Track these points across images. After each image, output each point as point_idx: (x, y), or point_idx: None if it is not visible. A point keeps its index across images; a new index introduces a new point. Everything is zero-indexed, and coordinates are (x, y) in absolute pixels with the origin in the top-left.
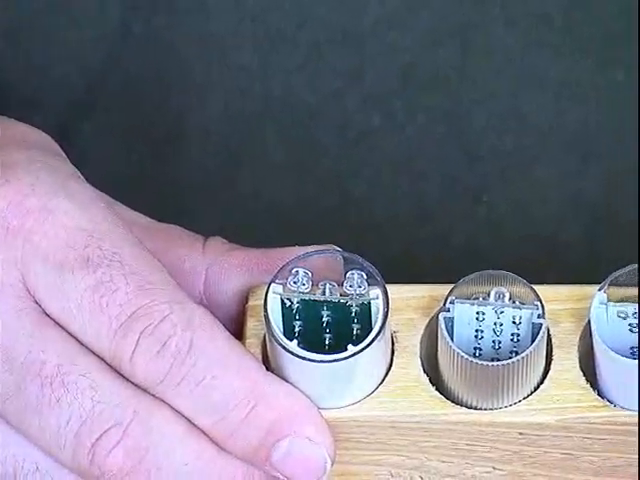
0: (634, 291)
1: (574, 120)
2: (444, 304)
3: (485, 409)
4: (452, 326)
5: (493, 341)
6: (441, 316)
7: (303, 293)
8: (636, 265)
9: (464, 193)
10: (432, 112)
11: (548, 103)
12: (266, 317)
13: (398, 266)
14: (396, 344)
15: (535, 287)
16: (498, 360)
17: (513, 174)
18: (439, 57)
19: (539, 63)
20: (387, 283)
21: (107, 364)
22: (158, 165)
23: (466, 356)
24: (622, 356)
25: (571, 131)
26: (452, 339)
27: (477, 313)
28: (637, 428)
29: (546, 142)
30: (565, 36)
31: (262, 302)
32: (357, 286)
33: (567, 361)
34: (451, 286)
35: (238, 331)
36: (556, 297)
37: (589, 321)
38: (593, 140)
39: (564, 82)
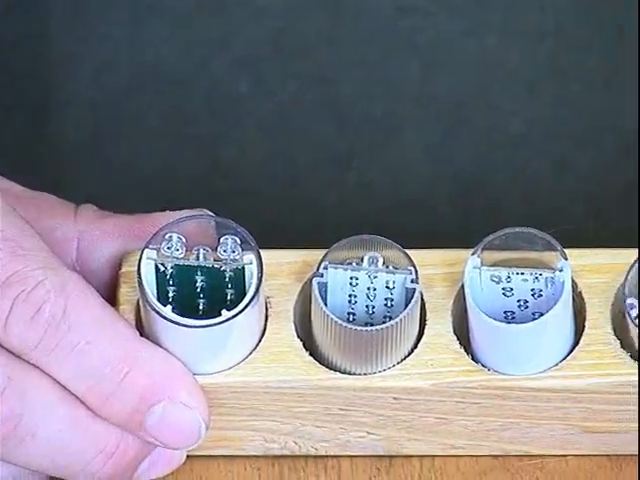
0: (507, 255)
1: (443, 86)
2: (317, 269)
3: (359, 374)
4: (325, 291)
5: (366, 306)
6: (314, 281)
7: (177, 258)
8: (509, 229)
9: (334, 159)
10: (302, 78)
11: (417, 69)
12: (140, 282)
13: (271, 230)
14: (270, 310)
15: (408, 252)
16: (372, 325)
17: (382, 141)
18: (309, 23)
19: (409, 29)
20: (260, 248)
21: None
22: (29, 135)
23: (340, 321)
24: (495, 320)
25: (440, 97)
26: (326, 304)
27: (350, 278)
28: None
29: (415, 109)
30: (435, 0)
31: (135, 268)
32: (231, 251)
33: (440, 325)
34: (324, 251)
35: (111, 298)
36: (429, 262)
37: (462, 285)
38: (462, 107)
39: (434, 48)
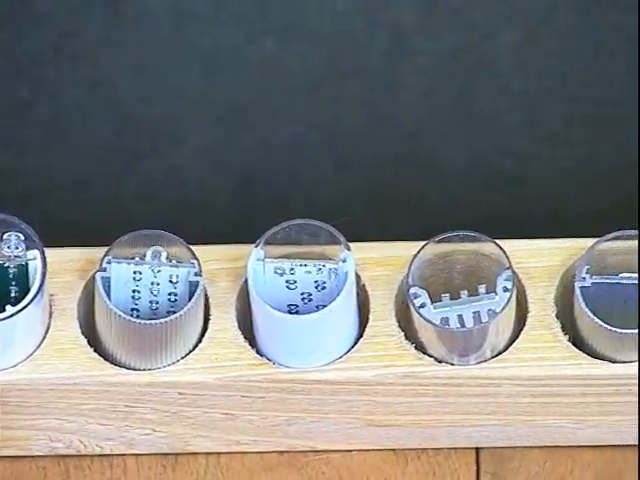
0: (291, 249)
1: (224, 90)
2: (101, 264)
3: (144, 369)
4: (109, 286)
5: (150, 301)
6: (98, 276)
7: None
8: (292, 222)
9: (116, 161)
10: (83, 82)
11: (197, 73)
12: None
13: (54, 232)
14: (54, 307)
15: (192, 247)
16: None
17: (164, 143)
18: (89, 27)
19: (189, 33)
20: (44, 247)
21: None
22: None
23: (123, 315)
24: (280, 312)
25: (221, 100)
26: (109, 299)
27: (134, 273)
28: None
29: (196, 112)
30: (214, 5)
31: None
32: (14, 247)
33: (225, 320)
34: (107, 248)
35: None
36: (212, 257)
37: (247, 279)
38: (243, 109)
39: (214, 52)
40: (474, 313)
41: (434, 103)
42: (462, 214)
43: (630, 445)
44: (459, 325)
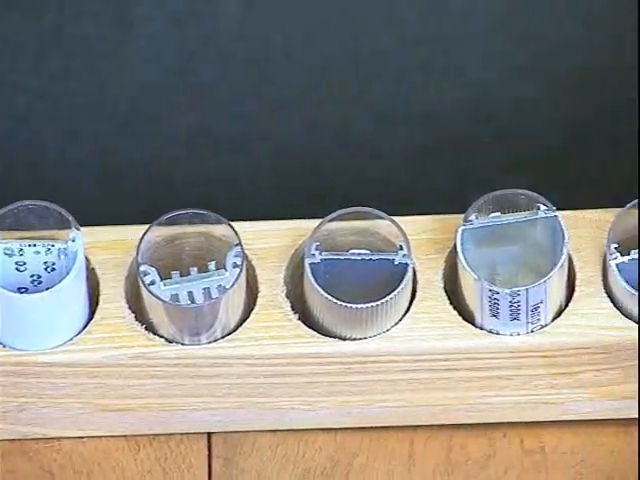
0: (21, 234)
1: None
2: None
3: None
4: None
5: None
6: None
7: None
8: (20, 203)
9: None
10: None
11: None
12: None
13: None
14: None
15: None
16: None
17: None
18: None
19: None
20: None
21: None
22: None
23: None
24: (8, 291)
25: None
26: None
27: None
28: None
29: None
30: None
31: None
32: None
33: None
34: None
35: None
36: None
37: None
38: None
39: None
40: (204, 289)
41: (159, 70)
42: (189, 185)
43: (360, 428)
44: (189, 302)
